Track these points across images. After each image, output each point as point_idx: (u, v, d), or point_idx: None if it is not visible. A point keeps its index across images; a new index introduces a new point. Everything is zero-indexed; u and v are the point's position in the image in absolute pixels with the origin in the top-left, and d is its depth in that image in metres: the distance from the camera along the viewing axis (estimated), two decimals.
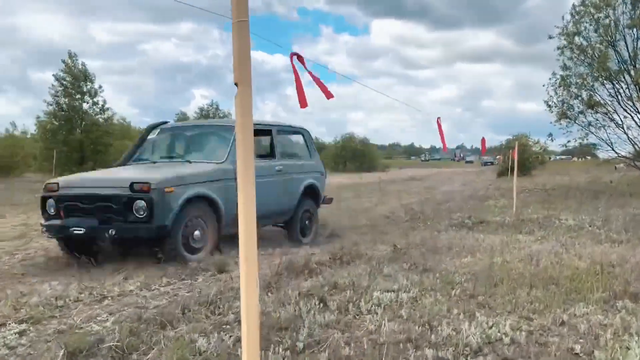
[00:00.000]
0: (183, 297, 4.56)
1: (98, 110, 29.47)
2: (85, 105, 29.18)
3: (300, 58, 2.12)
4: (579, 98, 20.44)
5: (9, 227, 10.62)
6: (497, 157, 47.28)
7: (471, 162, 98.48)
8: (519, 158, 31.54)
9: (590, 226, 9.36)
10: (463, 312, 4.24)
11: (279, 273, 5.34)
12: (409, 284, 5.08)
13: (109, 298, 4.66)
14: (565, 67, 20.59)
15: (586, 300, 4.66)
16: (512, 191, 12.86)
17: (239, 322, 3.81)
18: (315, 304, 4.29)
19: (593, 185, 21.66)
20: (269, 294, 4.66)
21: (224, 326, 3.82)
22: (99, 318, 4.05)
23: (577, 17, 20.13)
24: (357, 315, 4.16)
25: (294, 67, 2.07)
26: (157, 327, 3.72)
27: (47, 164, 28.64)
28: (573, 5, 19.73)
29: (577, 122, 20.99)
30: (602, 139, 20.93)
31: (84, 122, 28.94)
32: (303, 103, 2.21)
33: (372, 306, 4.31)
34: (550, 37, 20.60)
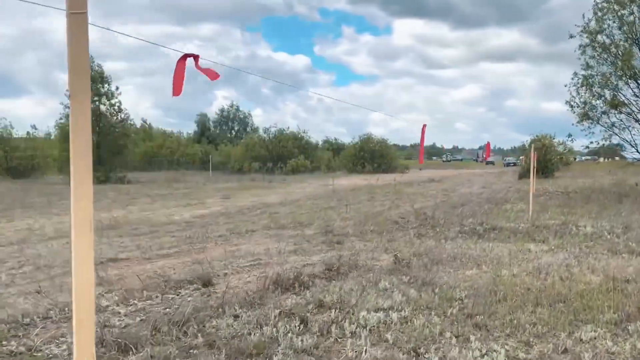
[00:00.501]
0: (157, 315, 4.27)
1: (115, 111, 29.65)
2: (102, 107, 29.33)
3: (196, 58, 1.87)
4: (602, 98, 19.77)
5: (12, 231, 10.53)
6: (521, 157, 46.36)
7: (492, 163, 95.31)
8: (542, 159, 30.68)
9: (609, 234, 8.87)
10: (456, 336, 3.89)
11: (266, 287, 5.03)
12: (403, 301, 4.74)
13: None
14: (587, 66, 19.91)
15: (595, 322, 4.26)
16: (530, 193, 12.37)
17: (208, 345, 3.53)
18: (295, 325, 3.97)
19: (617, 188, 20.92)
20: (249, 312, 4.35)
21: (191, 351, 3.53)
22: (62, 339, 3.80)
23: (599, 14, 19.45)
24: (340, 338, 3.83)
25: (180, 66, 1.84)
26: (119, 351, 3.45)
27: (67, 166, 28.84)
28: (595, 2, 19.01)
29: (600, 122, 20.31)
30: (626, 140, 20.21)
31: (101, 124, 29.06)
32: (177, 91, 2.02)
33: (356, 328, 3.98)
34: (571, 37, 19.92)
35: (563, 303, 4.79)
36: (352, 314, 4.26)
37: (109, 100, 29.67)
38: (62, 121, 29.71)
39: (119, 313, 4.43)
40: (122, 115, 30.59)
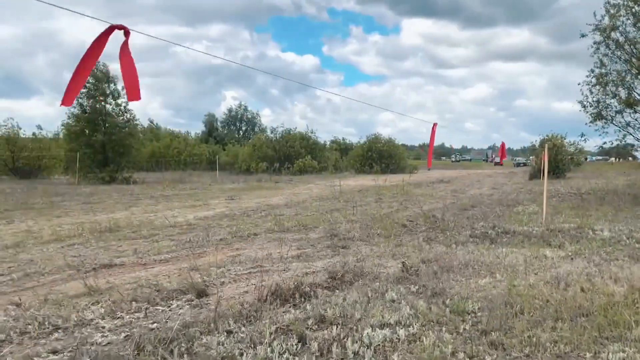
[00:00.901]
0: (144, 330, 3.93)
1: (120, 111, 29.40)
2: (108, 107, 29.16)
3: (127, 33, 1.49)
4: (617, 97, 19.25)
5: (10, 233, 10.25)
6: (531, 157, 45.75)
7: (500, 163, 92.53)
8: (552, 159, 30.11)
9: (627, 238, 8.43)
10: (470, 357, 3.52)
11: (263, 299, 4.68)
12: (411, 315, 4.37)
13: (61, 330, 4.07)
14: (601, 64, 19.41)
15: (622, 340, 3.88)
16: (544, 195, 11.93)
17: None
18: (292, 344, 3.61)
19: (632, 189, 20.39)
20: (243, 327, 4.00)
21: None
22: (35, 358, 3.45)
23: (612, 11, 18.94)
24: (341, 359, 3.47)
25: (102, 39, 1.44)
26: None
27: (73, 166, 28.73)
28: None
29: (614, 122, 19.80)
30: None
31: (106, 124, 28.87)
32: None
33: (360, 347, 3.61)
34: (582, 36, 19.42)
35: (585, 317, 4.41)
36: (356, 330, 3.90)
37: (114, 100, 29.44)
38: (68, 121, 29.49)
39: (103, 328, 4.09)
40: (129, 115, 30.34)
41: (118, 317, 4.38)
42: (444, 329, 4.08)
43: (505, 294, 5.10)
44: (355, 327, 3.95)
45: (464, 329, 4.08)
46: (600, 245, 7.95)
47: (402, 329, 3.97)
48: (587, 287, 5.22)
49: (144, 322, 4.22)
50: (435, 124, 4.74)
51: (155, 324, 4.14)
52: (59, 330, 4.04)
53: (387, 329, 3.94)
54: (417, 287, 5.44)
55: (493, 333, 4.00)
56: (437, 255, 7.10)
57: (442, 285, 5.44)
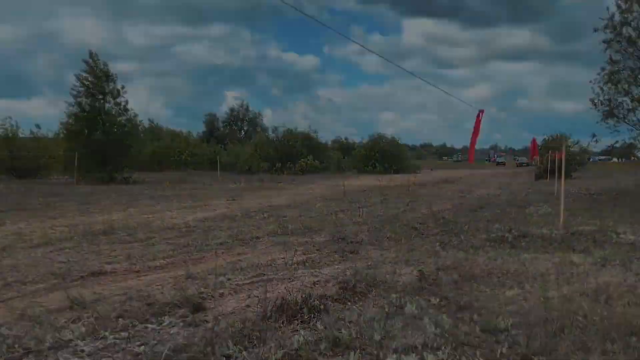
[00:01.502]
0: (128, 356, 3.37)
1: (120, 110, 28.80)
2: (107, 106, 28.56)
3: None
4: (629, 95, 18.70)
5: (0, 236, 9.69)
6: (534, 157, 45.22)
7: (503, 163, 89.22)
8: (559, 159, 29.61)
9: None
10: None
11: (268, 316, 4.11)
12: (437, 335, 3.80)
13: (33, 354, 3.50)
14: (612, 62, 18.86)
15: None
16: (554, 195, 11.39)
17: None
18: None
19: None
20: (245, 352, 3.43)
21: None
22: None
23: (624, 6, 18.39)
24: None
25: None
26: None
27: (72, 166, 28.14)
28: None
29: (626, 120, 19.26)
30: None
31: (105, 123, 28.29)
32: None
33: None
34: (595, 30, 18.87)
35: (636, 337, 3.84)
36: (377, 356, 3.33)
37: (114, 98, 28.82)
38: (67, 120, 28.86)
39: (82, 352, 3.52)
40: (130, 115, 29.73)
41: (101, 338, 3.80)
42: (477, 353, 3.51)
43: (539, 308, 4.54)
44: (376, 353, 3.38)
45: (501, 353, 3.52)
46: (629, 249, 7.39)
47: (430, 353, 3.40)
48: (633, 300, 4.65)
49: (130, 345, 3.64)
50: (481, 111, 4.12)
51: (142, 347, 3.56)
52: (30, 355, 3.47)
53: (413, 355, 3.37)
54: (438, 299, 4.88)
55: (535, 358, 3.44)
56: (455, 262, 6.53)
57: (466, 298, 4.88)
